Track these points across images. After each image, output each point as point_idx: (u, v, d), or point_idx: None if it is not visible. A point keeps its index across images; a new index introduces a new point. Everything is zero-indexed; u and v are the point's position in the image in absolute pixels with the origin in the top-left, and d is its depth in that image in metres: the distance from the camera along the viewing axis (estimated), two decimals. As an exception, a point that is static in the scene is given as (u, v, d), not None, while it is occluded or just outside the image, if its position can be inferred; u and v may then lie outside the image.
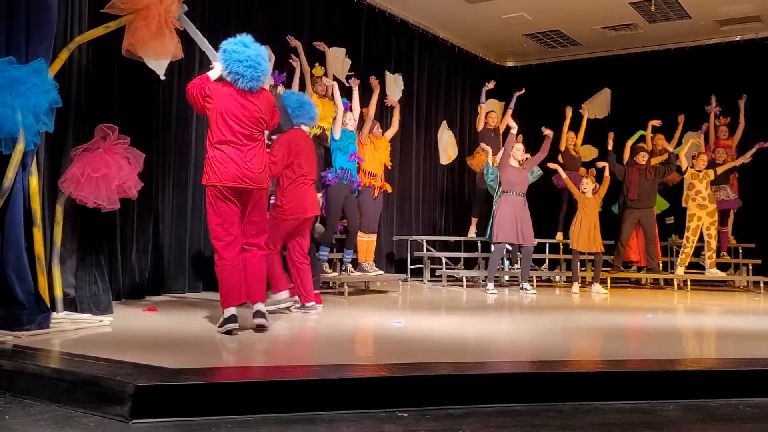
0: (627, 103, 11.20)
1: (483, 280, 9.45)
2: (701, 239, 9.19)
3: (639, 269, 9.60)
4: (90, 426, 2.84)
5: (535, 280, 9.31)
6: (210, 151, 4.46)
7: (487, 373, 3.43)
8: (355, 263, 7.87)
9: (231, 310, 4.48)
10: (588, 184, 8.75)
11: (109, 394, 2.97)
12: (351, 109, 7.50)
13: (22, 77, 4.03)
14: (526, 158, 8.31)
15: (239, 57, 4.46)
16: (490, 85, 9.92)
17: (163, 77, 6.47)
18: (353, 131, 7.39)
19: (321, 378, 3.20)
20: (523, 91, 9.96)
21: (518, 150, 8.26)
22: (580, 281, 8.69)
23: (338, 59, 8.88)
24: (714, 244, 9.17)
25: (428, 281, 9.45)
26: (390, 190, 8.33)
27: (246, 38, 4.58)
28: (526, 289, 8.03)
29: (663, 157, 9.56)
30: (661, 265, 9.53)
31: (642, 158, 9.13)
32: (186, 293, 7.00)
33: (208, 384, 3.00)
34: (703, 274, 9.21)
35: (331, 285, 7.91)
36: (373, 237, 8.09)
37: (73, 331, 4.49)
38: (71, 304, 4.98)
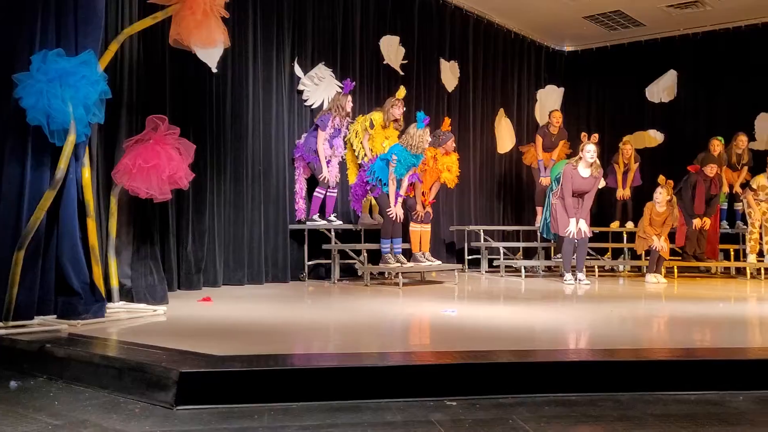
0: (693, 84, 10.75)
1: (543, 270, 9.27)
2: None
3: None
4: (135, 412, 2.83)
5: (596, 270, 9.03)
6: None
7: (539, 361, 3.29)
8: (409, 254, 7.77)
9: None
10: (662, 194, 8.08)
11: (154, 380, 2.96)
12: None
13: (71, 69, 4.07)
14: (597, 167, 7.69)
15: None
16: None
17: (215, 70, 6.54)
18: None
19: (366, 365, 3.12)
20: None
21: (589, 152, 7.61)
22: (658, 272, 8.20)
23: (392, 47, 8.80)
24: None
25: (486, 271, 9.28)
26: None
27: None
28: (580, 280, 7.72)
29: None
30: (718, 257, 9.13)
31: (711, 170, 8.71)
32: (245, 284, 7.03)
33: (251, 371, 2.96)
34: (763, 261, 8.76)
35: (386, 275, 7.84)
36: (427, 227, 7.97)
37: (128, 320, 4.54)
38: (127, 295, 5.04)
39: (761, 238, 8.93)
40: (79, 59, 4.15)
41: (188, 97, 6.27)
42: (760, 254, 8.93)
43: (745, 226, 9.22)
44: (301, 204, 7.74)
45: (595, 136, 8.63)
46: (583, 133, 8.57)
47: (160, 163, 4.72)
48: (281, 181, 7.62)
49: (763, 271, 8.85)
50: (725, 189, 9.45)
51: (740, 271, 9.17)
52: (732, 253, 9.42)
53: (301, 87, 7.85)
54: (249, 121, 7.20)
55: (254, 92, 7.27)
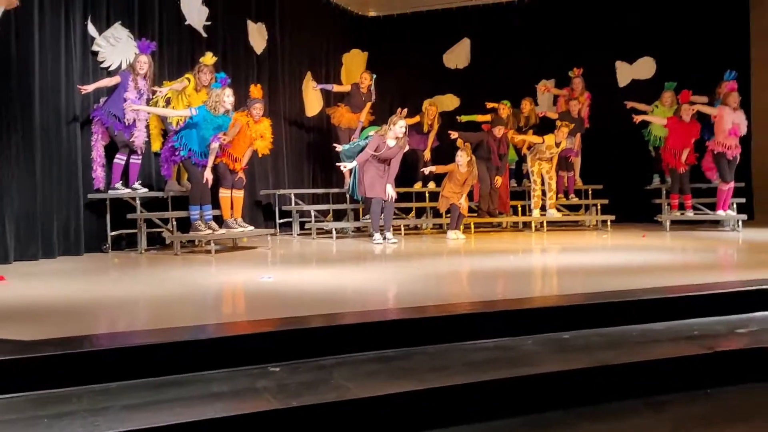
0: (485, 52, 11.53)
1: (353, 231, 9.60)
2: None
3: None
4: (-67, 409, 2.63)
5: (402, 229, 9.51)
6: None
7: (354, 323, 3.49)
8: (220, 220, 7.68)
9: None
10: (463, 157, 8.68)
11: (-47, 373, 2.75)
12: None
13: None
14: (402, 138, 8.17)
15: None
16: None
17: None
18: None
19: (186, 339, 3.12)
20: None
21: (401, 127, 8.15)
22: (458, 228, 8.83)
23: (194, 8, 8.50)
24: (554, 186, 9.88)
25: (298, 234, 9.42)
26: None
27: None
28: (388, 239, 8.16)
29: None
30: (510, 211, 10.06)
31: (498, 132, 9.45)
32: (39, 260, 6.56)
33: (65, 354, 2.85)
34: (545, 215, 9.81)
35: (197, 243, 7.70)
36: (239, 193, 7.92)
37: None
38: None
39: (544, 194, 9.91)
40: None
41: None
42: (543, 209, 9.92)
43: (530, 184, 10.15)
44: (99, 172, 7.32)
45: (404, 111, 9.04)
46: (399, 109, 8.94)
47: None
48: (73, 148, 7.13)
49: (545, 225, 9.85)
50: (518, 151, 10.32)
51: (527, 225, 10.11)
52: (519, 208, 10.35)
53: (96, 48, 7.35)
54: (36, 86, 6.64)
55: (41, 54, 6.69)
